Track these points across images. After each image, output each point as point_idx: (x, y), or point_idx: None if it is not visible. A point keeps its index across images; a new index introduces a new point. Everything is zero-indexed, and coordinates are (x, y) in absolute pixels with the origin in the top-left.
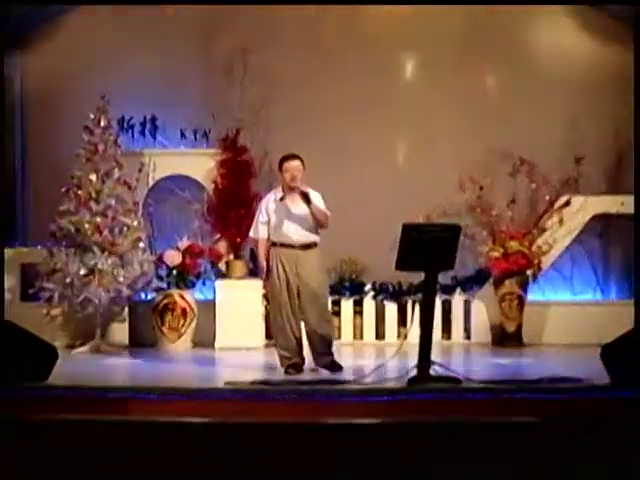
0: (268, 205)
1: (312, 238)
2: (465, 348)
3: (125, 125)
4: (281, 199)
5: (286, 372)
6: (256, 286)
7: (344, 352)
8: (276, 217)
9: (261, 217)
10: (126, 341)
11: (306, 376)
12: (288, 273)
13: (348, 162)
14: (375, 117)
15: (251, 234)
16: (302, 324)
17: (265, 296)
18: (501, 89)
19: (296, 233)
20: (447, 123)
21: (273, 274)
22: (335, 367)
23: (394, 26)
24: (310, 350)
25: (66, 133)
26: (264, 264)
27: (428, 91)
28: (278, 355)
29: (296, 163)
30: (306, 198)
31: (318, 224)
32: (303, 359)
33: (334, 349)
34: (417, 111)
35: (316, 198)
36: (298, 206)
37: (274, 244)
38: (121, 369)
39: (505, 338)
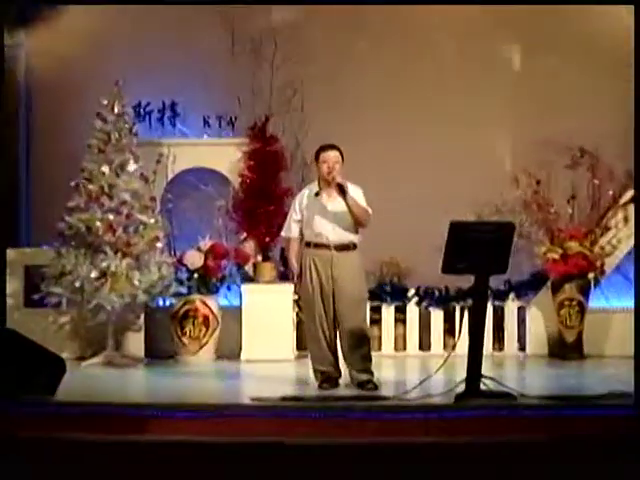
0: (302, 201)
1: (350, 238)
2: (519, 360)
3: (142, 112)
4: (316, 194)
5: (320, 387)
6: (287, 291)
7: (384, 365)
8: (310, 214)
9: (294, 214)
10: (142, 352)
11: (342, 392)
12: (322, 277)
13: (389, 154)
14: (419, 106)
15: (283, 233)
16: (338, 334)
17: (297, 302)
18: (558, 74)
19: (332, 232)
20: (499, 111)
21: (306, 278)
22: (369, 387)
23: (441, 10)
24: (345, 365)
25: (76, 121)
26: (296, 267)
27: (476, 77)
28: (312, 368)
29: (334, 154)
30: (342, 191)
31: (357, 222)
32: (339, 373)
33: (372, 364)
34: (465, 99)
35: (355, 193)
36: (335, 202)
37: (308, 244)
38: (136, 383)
39: (564, 349)
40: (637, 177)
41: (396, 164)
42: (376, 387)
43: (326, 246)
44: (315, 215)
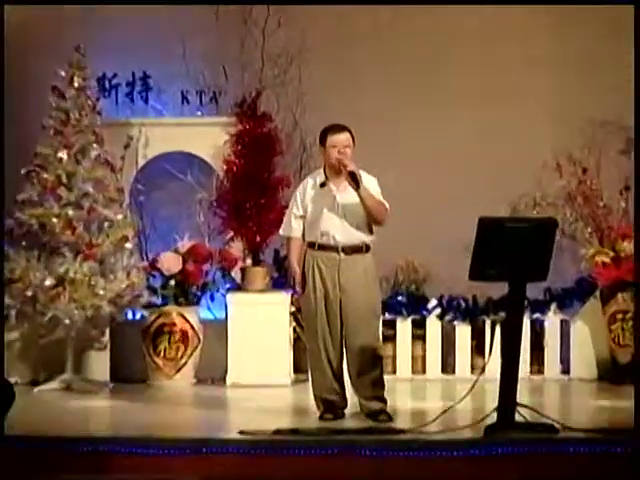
0: (304, 193)
1: (362, 238)
2: (562, 385)
3: (107, 86)
4: (322, 185)
5: (322, 418)
6: (282, 302)
7: (400, 391)
8: (315, 209)
9: (295, 209)
10: (107, 376)
11: (348, 423)
12: (328, 285)
13: (405, 137)
14: (442, 78)
15: (281, 231)
16: (345, 354)
17: (296, 315)
18: (607, 46)
19: (341, 231)
20: (537, 85)
21: (308, 286)
22: (381, 418)
23: None
24: (353, 391)
25: (28, 98)
26: (297, 272)
27: (514, 47)
28: (312, 395)
29: (345, 137)
30: (354, 180)
31: (372, 219)
32: (345, 401)
33: (385, 391)
34: (496, 71)
35: (369, 183)
36: (345, 194)
37: (311, 246)
38: (101, 413)
39: (616, 372)
40: (637, 176)
41: (413, 148)
42: (390, 418)
43: (333, 248)
44: (321, 210)
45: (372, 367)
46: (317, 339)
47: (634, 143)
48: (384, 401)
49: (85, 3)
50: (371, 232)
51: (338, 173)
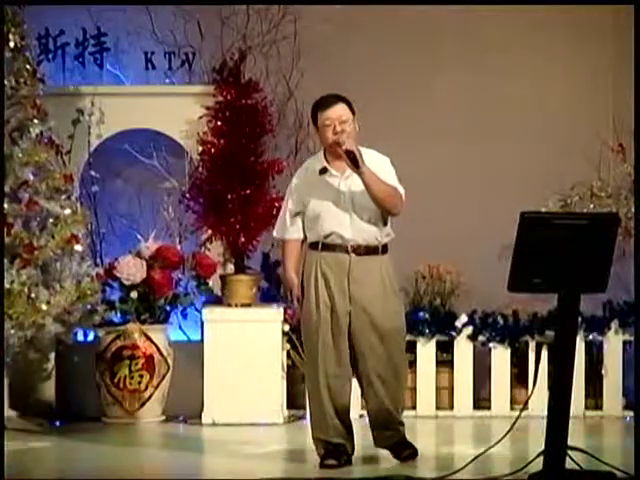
0: (301, 184)
1: (378, 236)
2: (626, 424)
3: (52, 46)
4: (322, 172)
5: (322, 465)
6: (273, 319)
7: (421, 430)
8: (316, 203)
9: (290, 204)
10: (52, 411)
11: (356, 472)
12: (335, 296)
13: (427, 111)
14: (470, 39)
15: (275, 233)
16: (354, 382)
17: (290, 336)
18: None
19: (350, 227)
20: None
21: (309, 298)
22: (405, 449)
23: None
24: (369, 423)
25: None
26: (294, 282)
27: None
28: (311, 437)
29: (339, 109)
30: (353, 160)
31: (382, 208)
32: (352, 444)
33: (404, 421)
34: (542, 29)
35: (379, 164)
36: (351, 182)
37: (313, 247)
38: (43, 459)
39: None
40: (637, 176)
41: (439, 120)
42: (415, 451)
43: (341, 248)
44: (322, 203)
45: (391, 396)
46: (318, 365)
47: (634, 143)
48: (401, 429)
49: (85, 3)
50: (386, 226)
51: (340, 156)
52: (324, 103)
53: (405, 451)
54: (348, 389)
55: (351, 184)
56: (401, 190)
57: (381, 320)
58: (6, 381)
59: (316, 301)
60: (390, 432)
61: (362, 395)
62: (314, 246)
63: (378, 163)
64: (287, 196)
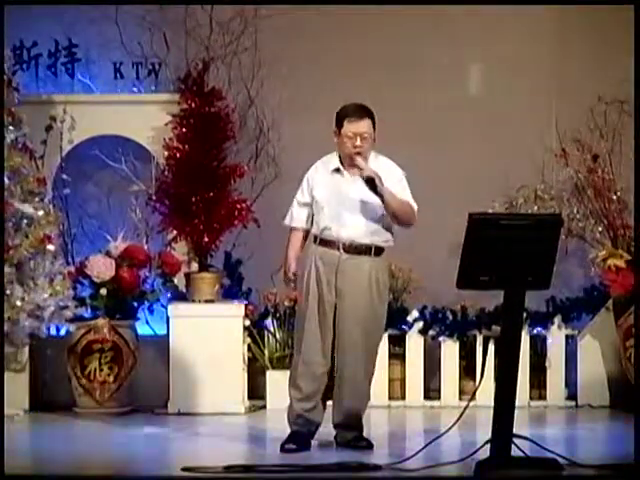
0: (313, 178)
1: (374, 238)
2: (568, 413)
3: (26, 57)
4: (335, 170)
5: (283, 449)
6: (235, 314)
7: (375, 419)
8: (322, 197)
9: (300, 195)
10: (25, 402)
11: (315, 457)
12: (323, 288)
13: (383, 120)
14: (426, 53)
15: (285, 221)
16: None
17: (250, 331)
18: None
19: (347, 226)
20: (539, 55)
21: (302, 287)
22: (362, 443)
23: None
24: (332, 416)
25: None
26: (292, 268)
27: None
28: (289, 411)
29: (364, 125)
30: (371, 185)
31: (397, 222)
32: (315, 428)
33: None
34: (493, 39)
35: (393, 178)
36: (360, 186)
37: (314, 240)
38: (17, 447)
39: (631, 397)
40: (637, 176)
41: (391, 131)
42: (371, 445)
43: (334, 244)
44: (328, 199)
45: (358, 395)
46: (301, 350)
47: (634, 143)
48: (360, 429)
49: (85, 3)
50: (388, 231)
51: (352, 164)
52: (352, 114)
53: (361, 442)
54: (326, 378)
55: (358, 188)
56: (414, 205)
57: (364, 318)
58: None
59: (307, 291)
60: (353, 433)
61: (333, 388)
62: (314, 239)
63: (392, 176)
64: (300, 187)
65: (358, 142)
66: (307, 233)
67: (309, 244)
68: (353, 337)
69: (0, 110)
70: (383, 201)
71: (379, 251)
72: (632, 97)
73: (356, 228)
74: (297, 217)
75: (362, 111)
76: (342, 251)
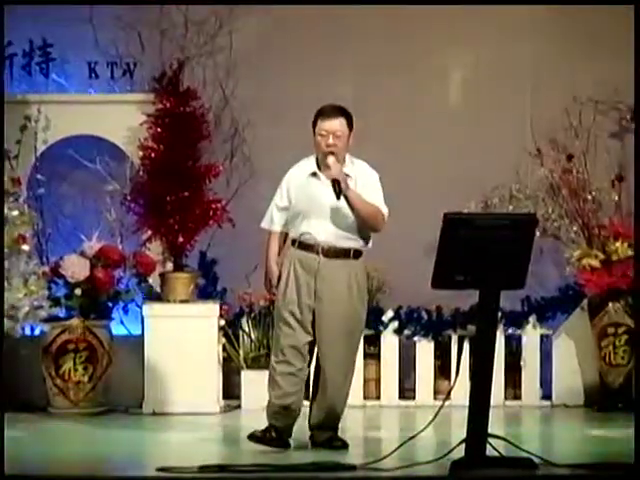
0: (291, 181)
1: (351, 242)
2: (543, 413)
3: None
4: (312, 175)
5: (250, 437)
6: (210, 314)
7: (350, 419)
8: (300, 201)
9: (278, 199)
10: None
11: (291, 457)
12: (302, 292)
13: (359, 122)
14: (406, 56)
15: (262, 224)
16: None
17: (225, 331)
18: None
19: (325, 230)
20: (513, 55)
21: (280, 290)
22: (337, 443)
23: None
24: (309, 417)
25: None
26: (274, 272)
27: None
28: (267, 411)
29: (335, 123)
30: (337, 188)
31: (365, 226)
32: (289, 430)
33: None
34: (467, 40)
35: (366, 180)
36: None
37: (292, 243)
38: None
39: (607, 397)
40: (637, 176)
41: (366, 134)
42: (346, 445)
43: (313, 248)
44: (306, 203)
45: (336, 397)
46: (277, 353)
47: (634, 142)
48: (336, 429)
49: (85, 3)
50: (365, 236)
51: (329, 166)
52: (325, 113)
53: (336, 442)
54: (304, 378)
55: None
56: (384, 210)
57: (343, 322)
58: None
59: (285, 294)
60: (328, 433)
61: (312, 389)
62: (293, 243)
63: (367, 180)
64: (278, 190)
65: (331, 140)
66: (285, 236)
67: (287, 247)
68: (334, 340)
69: (0, 110)
70: (348, 203)
71: (357, 254)
72: (632, 97)
73: (334, 232)
74: (276, 221)
75: (336, 110)
76: (321, 255)
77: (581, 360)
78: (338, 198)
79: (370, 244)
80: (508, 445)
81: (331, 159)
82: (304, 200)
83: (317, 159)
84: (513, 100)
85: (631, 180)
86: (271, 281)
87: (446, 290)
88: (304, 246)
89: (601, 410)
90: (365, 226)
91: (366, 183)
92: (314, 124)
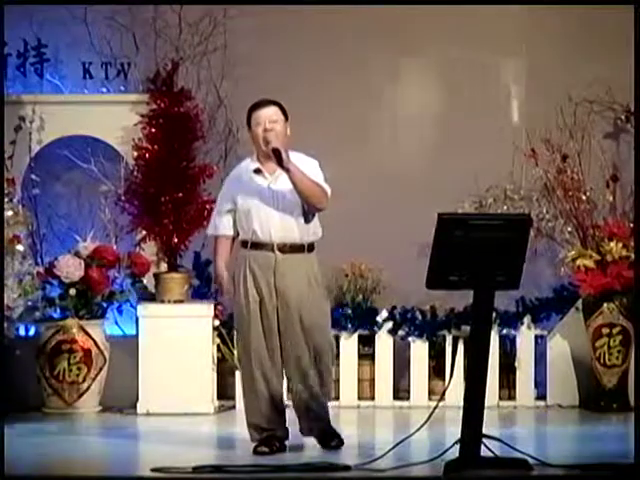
0: (234, 183)
1: (306, 236)
2: (537, 413)
3: None
4: (255, 172)
5: (256, 452)
6: (204, 314)
7: (344, 420)
8: (247, 201)
9: (223, 202)
10: None
11: (287, 458)
12: (263, 291)
13: (353, 118)
14: (394, 51)
15: (208, 230)
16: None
17: (219, 331)
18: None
19: (278, 226)
20: (508, 56)
21: (239, 293)
22: (332, 439)
23: None
24: (295, 412)
25: None
26: (224, 277)
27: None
28: (246, 423)
29: (270, 110)
30: (278, 157)
31: (307, 203)
32: (286, 431)
33: (330, 412)
34: (461, 39)
35: (306, 165)
36: (281, 182)
37: (243, 245)
38: None
39: (602, 397)
40: (637, 177)
41: (362, 130)
42: (341, 440)
43: (267, 246)
44: (253, 201)
45: (317, 389)
46: (250, 356)
47: (634, 142)
48: (327, 419)
49: (85, 3)
50: (315, 229)
51: (269, 155)
52: (257, 105)
53: (332, 441)
54: (281, 379)
55: (280, 185)
56: (326, 187)
57: (307, 315)
58: None
59: (245, 297)
60: (314, 422)
61: (288, 385)
62: (244, 244)
63: (306, 166)
64: (220, 194)
65: (268, 124)
66: (233, 240)
67: (238, 249)
68: (300, 339)
69: (0, 110)
70: (291, 178)
71: (311, 247)
72: (628, 98)
73: (286, 227)
74: (221, 225)
75: (267, 100)
76: (277, 252)
77: (576, 361)
78: (280, 166)
79: (320, 234)
80: (503, 446)
81: (271, 134)
82: (251, 199)
83: (257, 157)
84: (507, 100)
85: (625, 180)
86: (222, 285)
87: (440, 290)
88: (257, 245)
89: (596, 410)
90: (309, 203)
91: (306, 169)
92: (248, 120)
